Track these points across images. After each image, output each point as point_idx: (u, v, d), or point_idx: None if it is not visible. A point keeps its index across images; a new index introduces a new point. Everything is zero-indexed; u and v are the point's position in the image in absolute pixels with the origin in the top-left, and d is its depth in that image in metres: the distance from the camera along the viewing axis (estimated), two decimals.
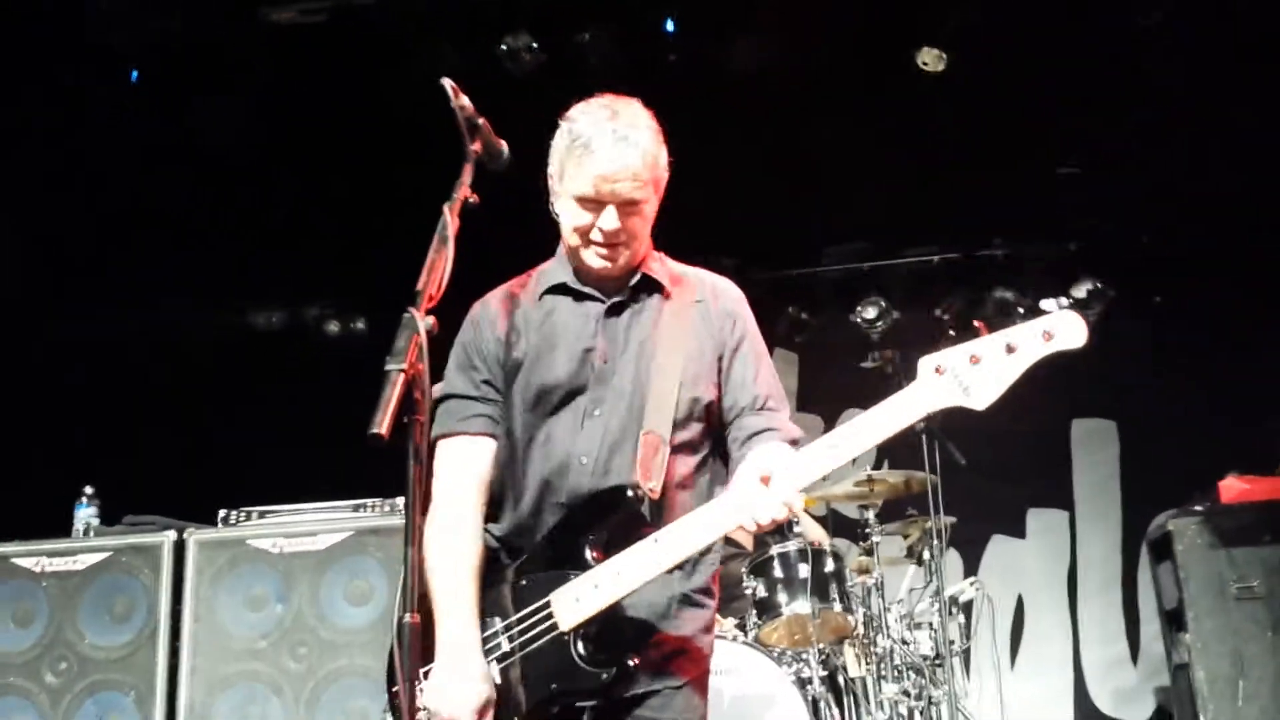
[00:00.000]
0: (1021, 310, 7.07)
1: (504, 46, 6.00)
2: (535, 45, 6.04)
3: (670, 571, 2.25)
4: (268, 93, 6.07)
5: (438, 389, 2.46)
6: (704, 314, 2.45)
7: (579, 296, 2.45)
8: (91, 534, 4.69)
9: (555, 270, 2.50)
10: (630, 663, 2.23)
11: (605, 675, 2.21)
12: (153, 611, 4.43)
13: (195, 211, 6.44)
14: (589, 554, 2.26)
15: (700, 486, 2.42)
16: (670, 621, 2.34)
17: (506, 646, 2.28)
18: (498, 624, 2.31)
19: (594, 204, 2.34)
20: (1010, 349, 2.03)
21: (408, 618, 1.79)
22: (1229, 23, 5.69)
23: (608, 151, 2.30)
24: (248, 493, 4.61)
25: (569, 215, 2.39)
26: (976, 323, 2.10)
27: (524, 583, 2.31)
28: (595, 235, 2.36)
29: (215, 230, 6.54)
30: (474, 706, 2.20)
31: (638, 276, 2.45)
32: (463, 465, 2.42)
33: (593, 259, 2.39)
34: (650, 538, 2.20)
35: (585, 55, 6.06)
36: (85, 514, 4.74)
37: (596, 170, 2.31)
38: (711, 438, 2.46)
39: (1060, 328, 2.01)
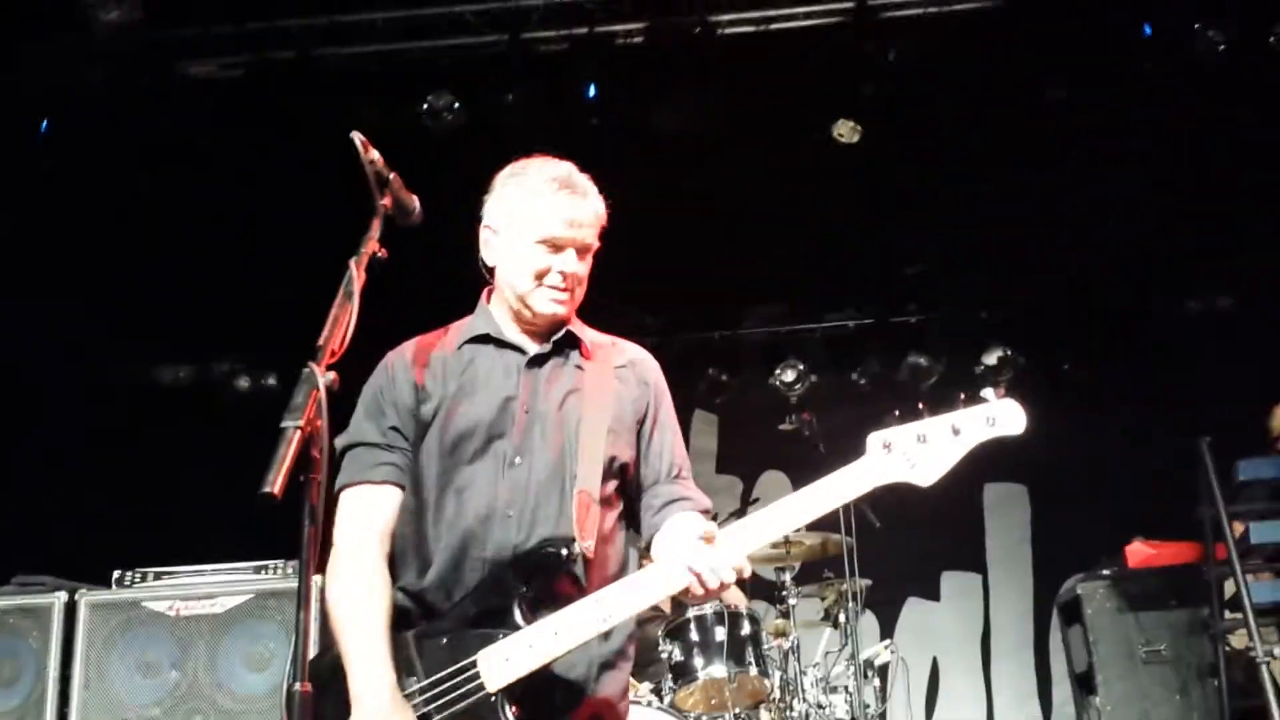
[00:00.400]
0: (933, 377, 7.24)
1: (425, 105, 6.01)
2: (457, 105, 6.06)
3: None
4: (183, 144, 5.99)
5: (341, 439, 2.39)
6: (625, 380, 2.46)
7: (501, 345, 2.43)
8: None
9: (476, 322, 2.48)
10: None
11: None
12: (41, 676, 4.26)
13: (104, 263, 6.29)
14: (518, 613, 2.20)
15: (619, 546, 2.42)
16: (593, 685, 2.31)
17: (425, 708, 2.18)
18: (413, 684, 2.20)
19: (555, 247, 2.36)
20: (956, 431, 2.16)
21: (298, 686, 1.71)
22: (1128, 95, 5.93)
23: (575, 197, 2.38)
24: (145, 553, 4.46)
25: (525, 259, 2.39)
26: (921, 405, 2.19)
27: (444, 641, 2.21)
28: (553, 279, 2.38)
29: (126, 284, 6.39)
30: None
31: (562, 332, 2.45)
32: (370, 514, 2.35)
33: (544, 303, 2.39)
34: (591, 598, 2.17)
35: (507, 116, 6.10)
36: None
37: (568, 214, 2.37)
38: (623, 500, 2.45)
39: (1002, 415, 2.17)
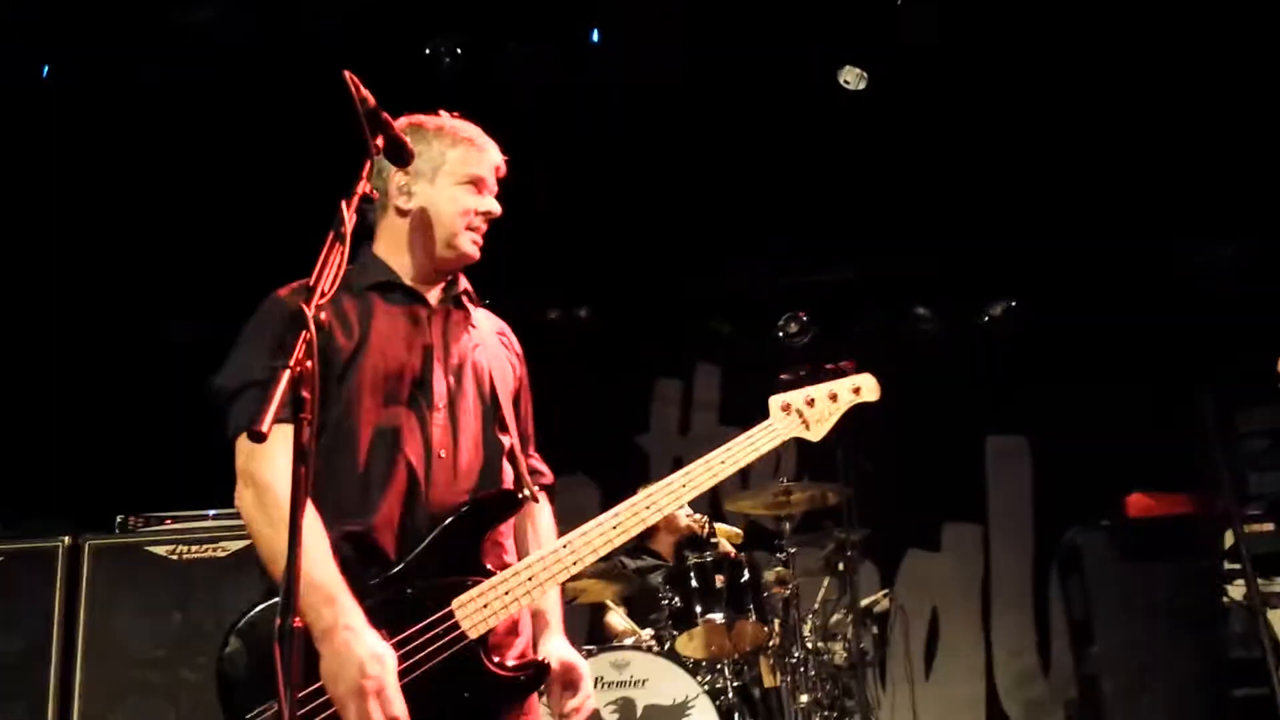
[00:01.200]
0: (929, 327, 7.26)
1: (426, 51, 5.96)
2: (459, 50, 6.01)
3: None
4: (183, 91, 5.95)
5: (229, 378, 2.32)
6: (506, 345, 2.62)
7: (406, 292, 2.45)
8: None
9: (372, 269, 2.46)
10: (544, 662, 2.30)
11: (523, 677, 2.25)
12: (45, 619, 4.29)
13: (114, 217, 6.29)
14: (484, 559, 2.26)
15: None
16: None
17: (405, 662, 2.12)
18: (389, 639, 2.13)
19: (480, 190, 2.49)
20: (833, 397, 2.63)
21: (292, 621, 1.71)
22: None
23: (492, 147, 2.54)
24: (148, 498, 4.48)
25: (455, 201, 2.44)
26: (844, 364, 2.68)
27: (410, 592, 2.19)
28: (477, 221, 2.48)
29: (132, 237, 6.39)
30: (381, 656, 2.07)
31: (461, 285, 2.52)
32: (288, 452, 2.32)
33: (468, 244, 2.47)
34: (559, 542, 2.32)
35: (509, 65, 6.04)
36: None
37: (493, 160, 2.52)
38: None
39: (864, 384, 2.67)
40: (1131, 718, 5.28)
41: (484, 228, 2.49)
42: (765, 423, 2.57)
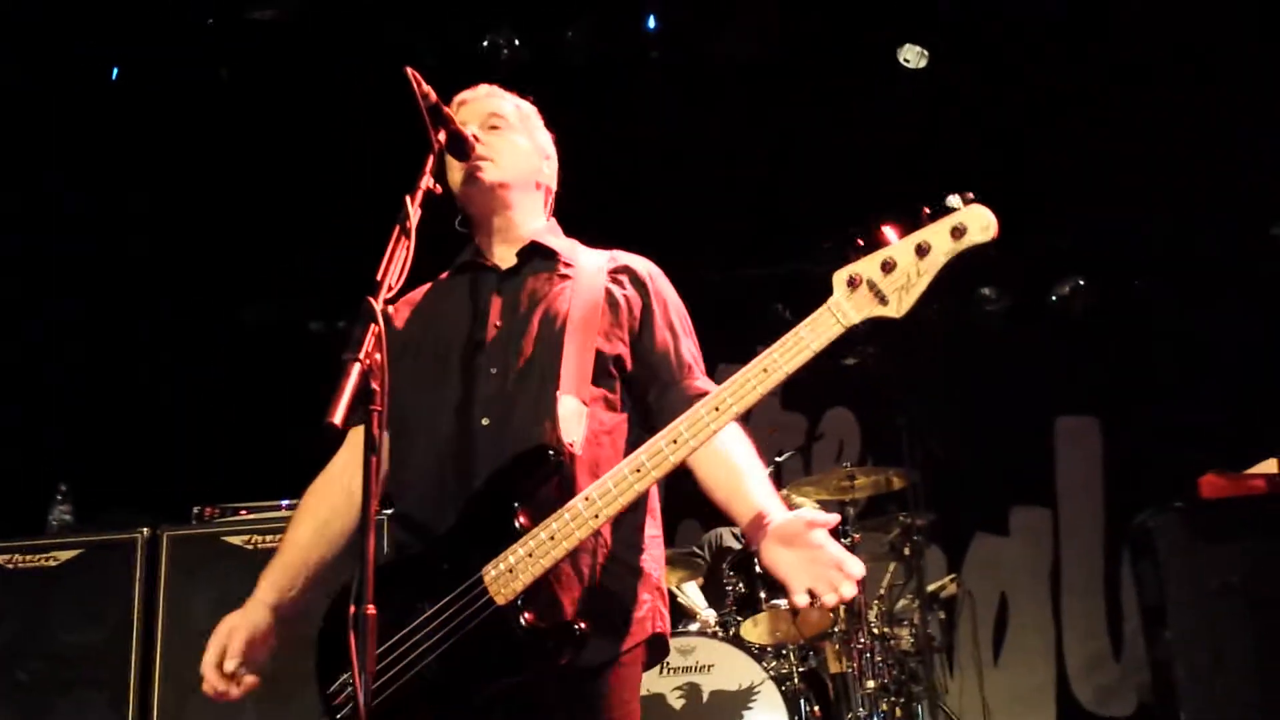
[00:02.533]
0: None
1: (485, 43, 5.99)
2: (517, 41, 6.03)
3: (596, 534, 2.19)
4: (249, 90, 6.06)
5: None
6: (618, 283, 2.45)
7: (475, 267, 2.50)
8: (65, 530, 4.65)
9: (462, 255, 2.57)
10: (577, 628, 2.13)
11: (551, 644, 2.12)
12: (126, 609, 4.36)
13: (173, 207, 6.42)
14: (515, 522, 2.15)
15: (618, 446, 2.37)
16: (597, 583, 2.26)
17: (442, 630, 2.13)
18: (428, 609, 2.16)
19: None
20: (921, 250, 2.02)
21: (365, 609, 1.76)
22: None
23: (476, 97, 2.58)
24: (221, 490, 4.57)
25: (452, 166, 2.47)
26: (889, 226, 2.07)
27: (446, 566, 2.18)
28: (475, 169, 2.48)
29: (198, 228, 6.52)
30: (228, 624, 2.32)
31: (539, 239, 2.50)
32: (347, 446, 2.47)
33: (470, 191, 2.49)
34: (579, 496, 2.13)
35: (568, 52, 6.06)
36: (59, 511, 4.71)
37: (478, 110, 2.54)
38: (632, 399, 2.42)
39: (970, 221, 2.01)
40: (1205, 703, 5.17)
41: (482, 167, 2.42)
42: (824, 305, 2.06)
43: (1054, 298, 7.25)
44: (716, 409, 2.08)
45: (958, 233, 2.00)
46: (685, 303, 2.56)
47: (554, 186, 2.63)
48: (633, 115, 6.12)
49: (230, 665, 2.26)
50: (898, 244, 2.02)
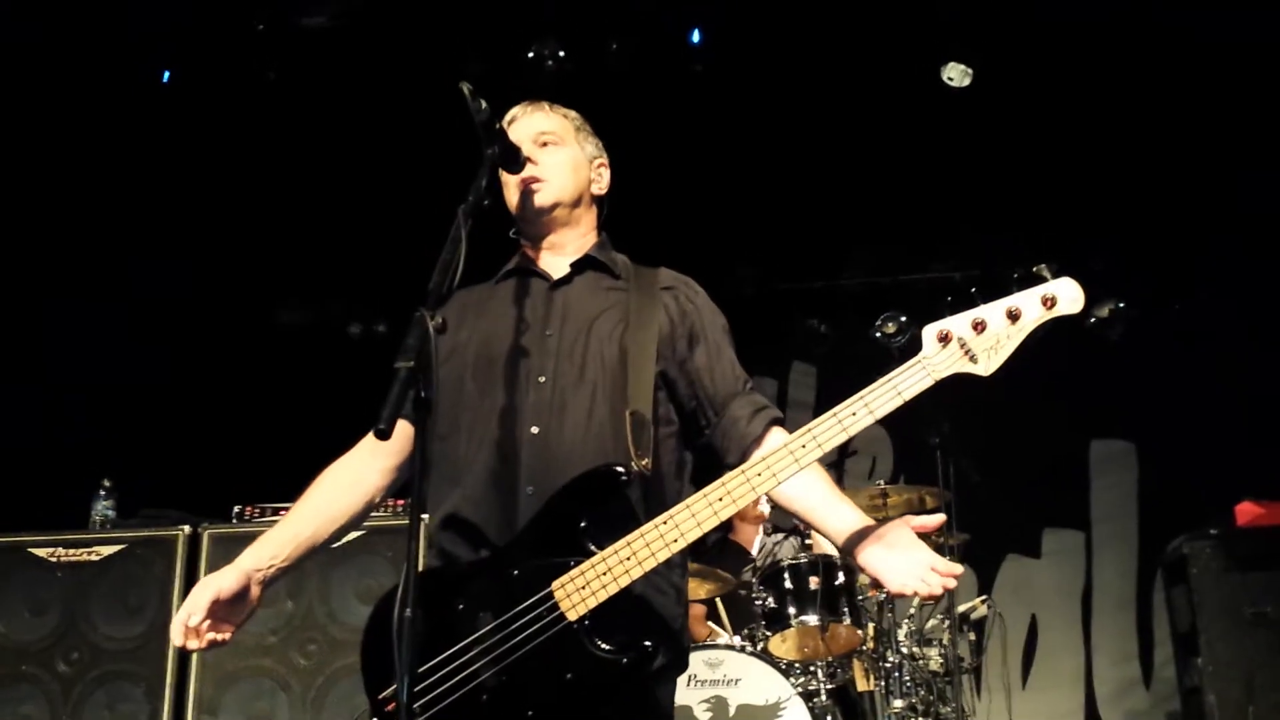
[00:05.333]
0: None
1: (530, 54, 6.05)
2: (561, 54, 6.09)
3: None
4: (296, 95, 6.14)
5: None
6: (672, 299, 2.51)
7: (526, 274, 2.54)
8: (108, 526, 4.73)
9: (512, 261, 2.60)
10: (647, 645, 2.16)
11: (626, 660, 2.14)
12: (165, 604, 4.44)
13: (217, 209, 6.51)
14: (586, 539, 2.19)
15: (677, 466, 2.43)
16: (663, 608, 2.33)
17: (510, 643, 2.16)
18: (492, 620, 2.18)
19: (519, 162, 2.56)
20: (1013, 315, 2.09)
21: (408, 612, 1.79)
22: None
23: (526, 116, 2.62)
24: (262, 491, 4.63)
25: (507, 182, 2.53)
26: (973, 290, 2.10)
27: (516, 573, 2.21)
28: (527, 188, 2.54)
29: (238, 228, 6.61)
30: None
31: (594, 252, 2.55)
32: (361, 447, 2.54)
33: (525, 210, 2.54)
34: (660, 519, 2.16)
35: (611, 64, 6.11)
36: (102, 506, 4.78)
37: (525, 130, 2.57)
38: (680, 419, 2.46)
39: (1061, 293, 2.09)
40: None
41: (537, 189, 2.48)
42: (915, 358, 2.12)
43: (1092, 319, 7.21)
44: (804, 446, 2.14)
45: (1048, 302, 2.09)
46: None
47: (606, 189, 2.66)
48: (672, 129, 6.17)
49: (194, 620, 2.31)
50: (989, 306, 2.11)
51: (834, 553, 5.13)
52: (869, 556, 2.24)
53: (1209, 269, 6.63)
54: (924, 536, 2.23)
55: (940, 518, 2.28)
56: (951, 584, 2.19)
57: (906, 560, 2.21)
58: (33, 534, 4.63)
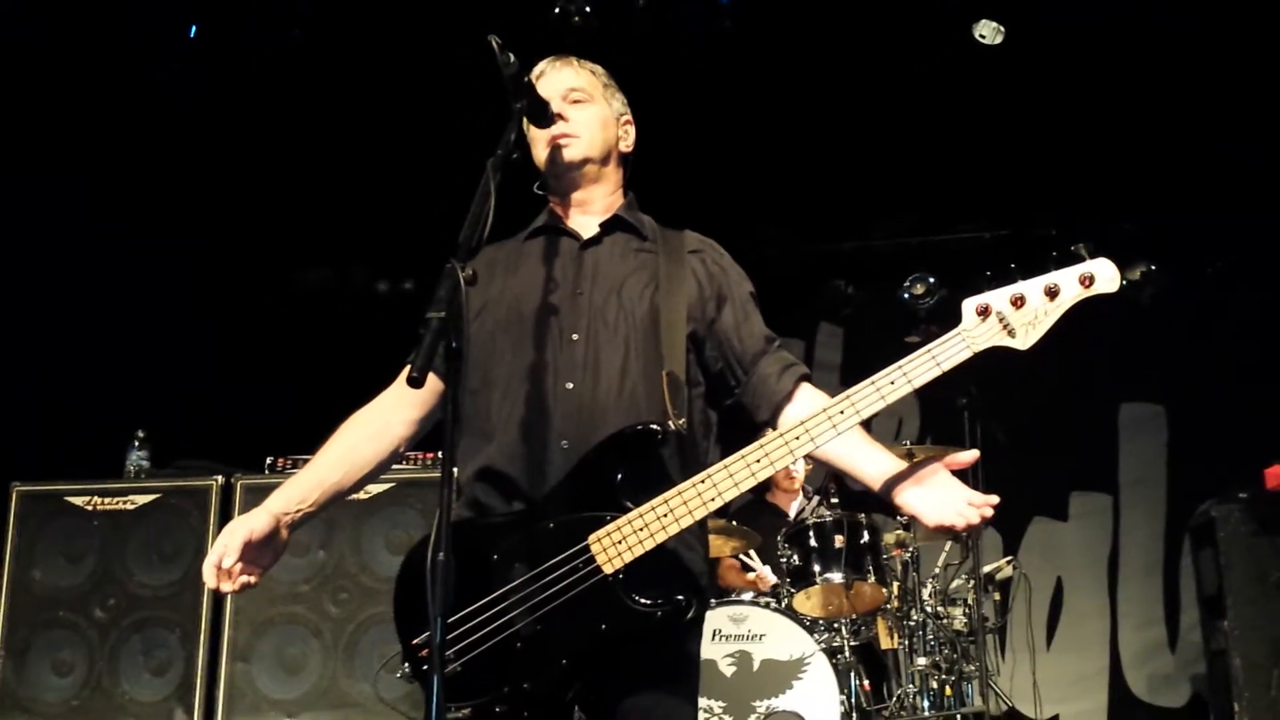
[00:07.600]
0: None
1: (556, 10, 6.01)
2: (588, 8, 6.04)
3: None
4: (322, 53, 6.13)
5: None
6: (700, 261, 2.52)
7: (556, 232, 2.54)
8: (142, 476, 4.82)
9: (540, 218, 2.60)
10: (679, 598, 2.20)
11: (660, 614, 2.18)
12: (199, 552, 4.52)
13: (244, 166, 6.54)
14: (622, 495, 2.22)
15: (705, 426, 2.46)
16: (688, 557, 2.36)
17: (545, 594, 2.19)
18: (527, 571, 2.22)
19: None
20: (1051, 292, 2.14)
21: (441, 556, 1.80)
22: None
23: (555, 70, 2.60)
24: (294, 442, 4.69)
25: (536, 138, 2.52)
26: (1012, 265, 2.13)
27: (551, 526, 2.24)
28: (558, 144, 2.53)
29: (263, 186, 6.64)
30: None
31: (623, 212, 2.56)
32: (388, 393, 2.54)
33: (556, 164, 2.53)
34: (698, 476, 2.20)
35: (638, 20, 6.05)
36: (137, 456, 4.87)
37: (554, 85, 2.55)
38: (707, 379, 2.49)
39: (1099, 272, 2.14)
40: (1261, 695, 5.13)
41: (566, 144, 2.49)
42: (954, 330, 2.16)
43: (1124, 282, 7.14)
44: (842, 412, 2.19)
45: (1086, 280, 2.14)
46: (746, 273, 2.61)
47: (631, 146, 2.65)
48: (699, 86, 6.12)
49: (227, 562, 2.33)
50: (1028, 283, 2.15)
51: (859, 514, 5.16)
52: (906, 496, 2.28)
53: (1241, 232, 6.54)
54: (959, 475, 2.27)
55: (974, 453, 2.33)
56: (989, 513, 2.23)
57: (943, 495, 2.25)
58: (69, 483, 4.73)
